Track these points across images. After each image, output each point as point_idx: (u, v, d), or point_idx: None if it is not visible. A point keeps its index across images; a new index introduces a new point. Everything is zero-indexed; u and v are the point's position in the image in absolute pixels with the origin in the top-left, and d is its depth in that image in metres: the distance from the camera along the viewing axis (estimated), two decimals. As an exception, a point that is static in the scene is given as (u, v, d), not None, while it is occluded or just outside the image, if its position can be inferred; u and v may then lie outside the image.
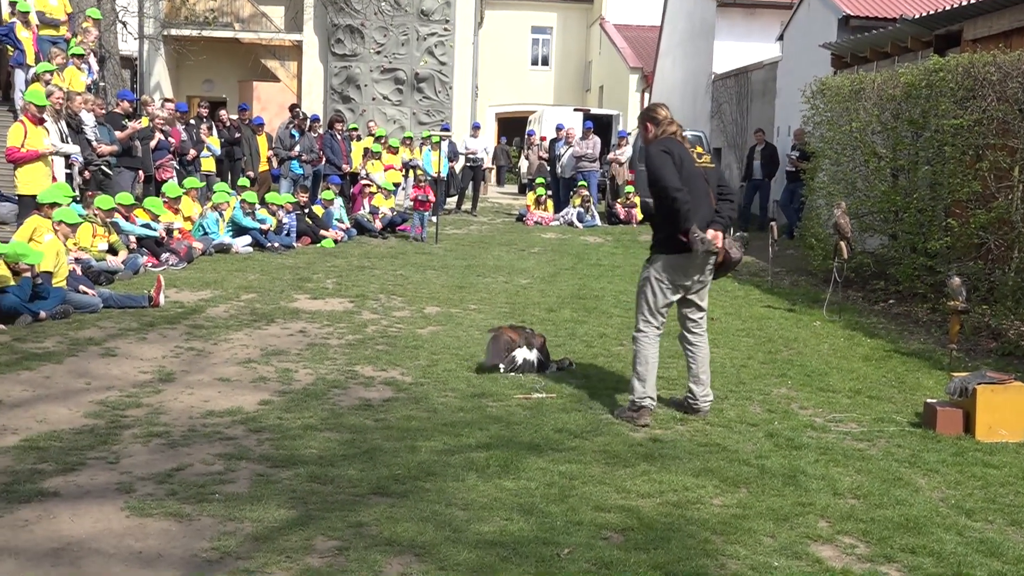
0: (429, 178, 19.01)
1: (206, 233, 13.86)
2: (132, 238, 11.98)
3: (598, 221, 20.31)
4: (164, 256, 12.20)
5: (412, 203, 17.12)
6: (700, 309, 6.60)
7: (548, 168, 22.29)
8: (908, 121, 11.79)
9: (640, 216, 20.46)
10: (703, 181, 6.37)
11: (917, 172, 11.69)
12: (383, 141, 19.80)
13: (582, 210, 20.13)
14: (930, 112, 11.31)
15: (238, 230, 14.29)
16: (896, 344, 9.47)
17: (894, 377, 8.08)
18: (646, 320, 6.47)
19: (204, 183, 15.87)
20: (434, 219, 17.97)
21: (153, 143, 14.68)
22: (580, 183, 20.57)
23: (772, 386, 7.61)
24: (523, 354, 7.68)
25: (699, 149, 6.51)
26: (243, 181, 15.92)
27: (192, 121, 17.30)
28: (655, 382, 6.50)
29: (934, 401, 6.69)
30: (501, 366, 7.58)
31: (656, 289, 6.41)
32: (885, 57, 15.25)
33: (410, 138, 20.67)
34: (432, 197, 17.14)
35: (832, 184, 13.43)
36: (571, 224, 20.06)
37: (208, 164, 16.92)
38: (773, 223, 13.56)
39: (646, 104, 33.03)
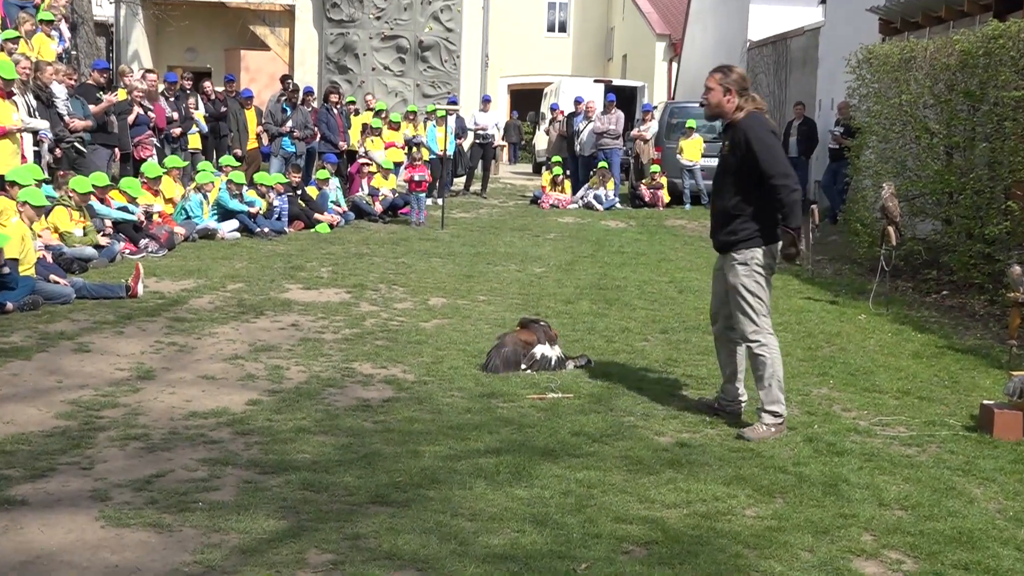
0: (434, 156, 19.04)
1: (189, 217, 13.92)
2: (108, 223, 12.03)
3: (614, 201, 20.29)
4: (143, 242, 12.25)
5: (407, 184, 17.16)
6: None
7: (565, 145, 22.27)
8: (964, 93, 11.74)
9: (667, 198, 20.45)
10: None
11: (974, 150, 11.65)
12: (384, 116, 19.83)
13: (603, 190, 20.10)
14: (988, 83, 11.24)
15: (224, 214, 14.34)
16: (950, 340, 9.45)
17: (947, 376, 8.06)
18: (765, 318, 6.35)
19: (188, 162, 15.92)
20: (440, 202, 18.00)
21: (131, 118, 14.73)
22: (600, 163, 20.55)
23: (812, 386, 7.61)
24: (543, 350, 7.68)
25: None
26: (229, 160, 15.98)
27: (179, 94, 17.37)
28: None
29: (991, 403, 6.66)
30: (524, 367, 7.56)
31: (764, 283, 6.32)
32: (939, 22, 15.18)
33: (413, 112, 20.69)
34: (428, 177, 17.16)
35: (879, 163, 13.38)
36: (590, 207, 20.06)
37: (194, 141, 16.99)
38: (814, 206, 13.53)
39: (675, 75, 33.05)
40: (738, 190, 6.25)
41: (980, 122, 11.57)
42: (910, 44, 13.17)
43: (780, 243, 6.30)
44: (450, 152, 19.58)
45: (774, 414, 6.26)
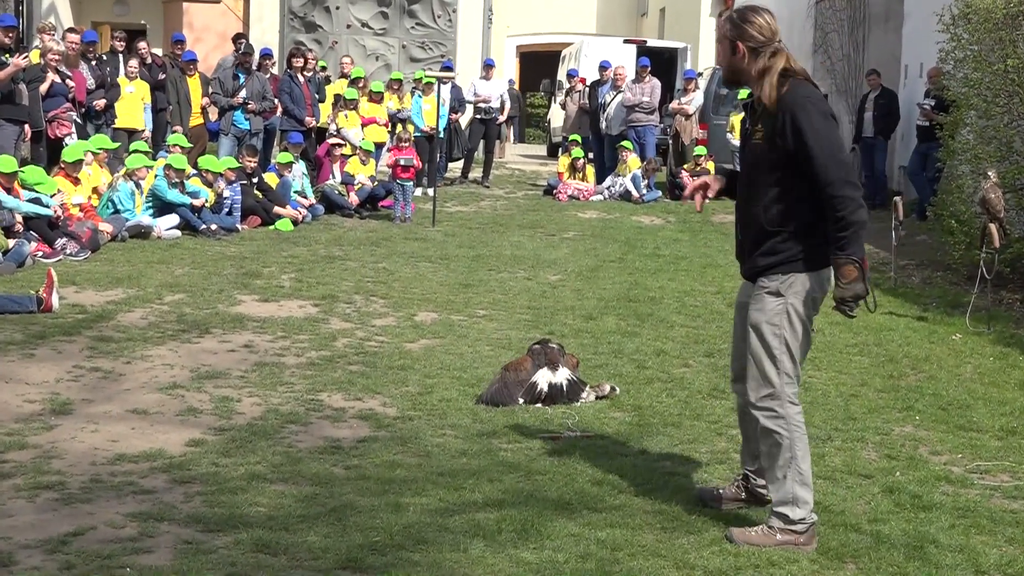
0: (420, 135, 19.06)
1: (117, 211, 13.97)
2: (18, 217, 12.08)
3: (657, 194, 20.33)
4: (60, 242, 12.30)
5: (390, 170, 17.21)
6: None
7: (588, 122, 22.30)
8: (1086, 57, 11.75)
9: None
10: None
11: (1098, 128, 11.65)
12: (361, 85, 19.87)
13: (638, 176, 20.10)
14: (1116, 44, 11.26)
15: (161, 207, 14.39)
16: (1067, 366, 9.45)
17: (1063, 411, 8.07)
18: (789, 379, 5.48)
19: (119, 144, 15.98)
20: (430, 192, 18.03)
21: (44, 87, 14.79)
22: (622, 143, 20.56)
23: (893, 423, 7.61)
24: (546, 377, 7.71)
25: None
26: (179, 139, 16.02)
27: (104, 57, 17.43)
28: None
29: (1118, 445, 6.67)
30: (521, 400, 7.61)
31: (801, 326, 5.45)
32: (1055, -32, 15.20)
33: (398, 81, 20.74)
34: (417, 162, 17.21)
35: (980, 144, 13.37)
36: (619, 198, 20.07)
37: (132, 116, 17.02)
38: (898, 198, 13.54)
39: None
40: (779, 195, 5.43)
41: (1106, 93, 11.58)
42: (1018, -5, 13.19)
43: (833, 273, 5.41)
44: (441, 129, 19.57)
45: (785, 519, 5.41)
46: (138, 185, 14.34)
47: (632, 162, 20.38)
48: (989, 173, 11.20)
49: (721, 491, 5.92)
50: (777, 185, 5.43)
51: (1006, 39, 12.91)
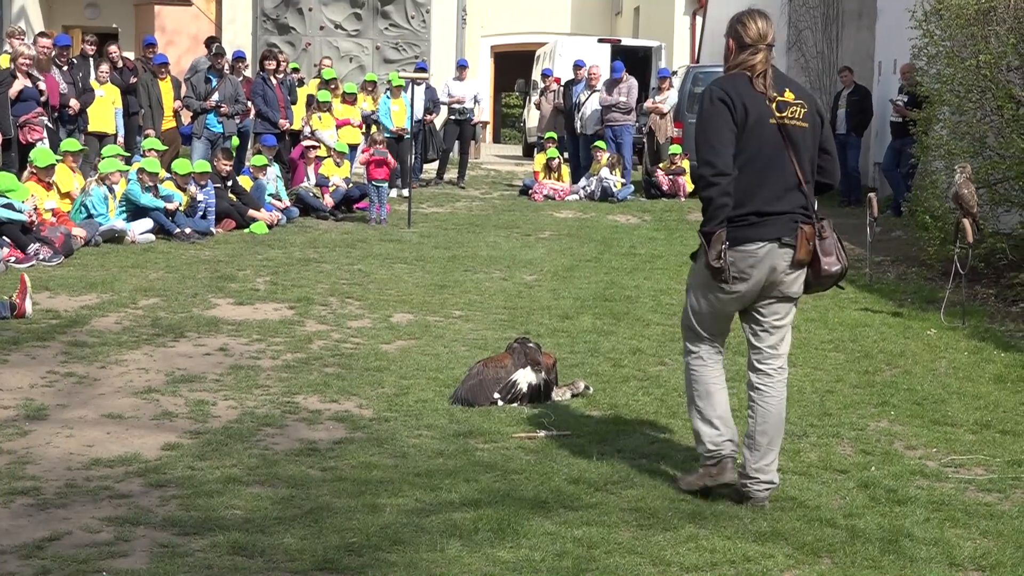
0: (389, 136, 19.05)
1: (90, 216, 13.93)
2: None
3: (630, 189, 20.38)
4: (32, 248, 12.26)
5: (364, 170, 17.23)
6: (771, 333, 6.08)
7: (563, 121, 22.33)
8: (1057, 52, 11.84)
9: (691, 186, 20.54)
10: (785, 150, 5.94)
11: (1070, 122, 11.74)
12: (334, 87, 19.86)
13: (609, 175, 20.16)
14: (1087, 39, 11.34)
15: (135, 211, 14.36)
16: (1041, 359, 9.53)
17: (1037, 405, 8.14)
18: (691, 334, 6.20)
19: (86, 147, 15.93)
20: (404, 193, 18.04)
21: (13, 91, 14.72)
22: (596, 143, 20.61)
23: (868, 418, 7.66)
24: (526, 377, 7.75)
25: (789, 95, 6.05)
26: (154, 143, 15.99)
27: (74, 61, 17.37)
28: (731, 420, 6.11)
29: (1090, 437, 6.73)
30: (497, 396, 7.65)
31: (702, 295, 6.07)
32: (1025, -36, 15.30)
33: (372, 82, 20.74)
34: (391, 162, 17.21)
35: (952, 140, 13.45)
36: (595, 198, 20.12)
37: (103, 120, 16.97)
38: (872, 195, 13.61)
39: (699, 33, 33.17)
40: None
41: (1077, 88, 11.66)
42: (990, -9, 13.27)
43: (741, 248, 5.85)
44: (407, 128, 19.51)
45: (700, 457, 6.10)
46: (111, 190, 14.29)
47: (605, 161, 20.42)
48: (960, 169, 11.27)
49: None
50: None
51: (978, 35, 13.00)
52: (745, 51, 6.13)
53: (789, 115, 5.98)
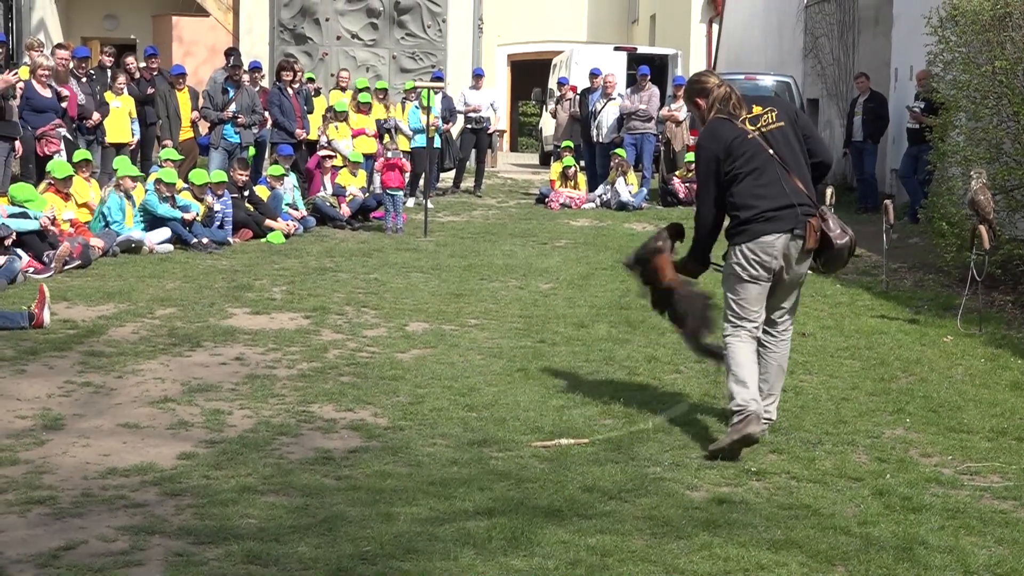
0: (417, 147, 19.10)
1: (108, 225, 13.97)
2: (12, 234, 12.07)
3: (643, 193, 20.42)
4: (47, 255, 12.29)
5: (380, 178, 17.29)
6: (783, 308, 7.38)
7: (579, 130, 22.34)
8: (1073, 58, 11.80)
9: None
10: (768, 154, 7.05)
11: (1086, 128, 11.70)
12: (354, 97, 19.87)
13: (623, 185, 20.18)
14: (1103, 45, 11.31)
15: (152, 221, 14.42)
16: (1058, 366, 9.50)
17: (1054, 412, 8.11)
18: (731, 321, 7.18)
19: (92, 159, 15.97)
20: (423, 202, 18.07)
21: (15, 102, 14.70)
22: (616, 151, 20.65)
23: (884, 426, 7.65)
24: None
25: (756, 109, 7.20)
26: (171, 153, 16.07)
27: (93, 73, 17.47)
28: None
29: (1107, 444, 6.71)
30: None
31: (739, 284, 7.13)
32: (1042, -31, 15.26)
33: (384, 90, 20.75)
34: (406, 165, 17.25)
35: (969, 146, 13.42)
36: (611, 206, 20.13)
37: (120, 131, 17.05)
38: (889, 202, 13.58)
39: (716, 40, 33.19)
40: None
41: (1093, 94, 11.62)
42: (1006, -3, 13.24)
43: (759, 241, 7.01)
44: (437, 136, 19.59)
45: (731, 412, 6.99)
46: (129, 197, 14.34)
47: (617, 164, 20.43)
48: (976, 175, 11.25)
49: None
50: None
51: (993, 41, 12.97)
52: (711, 95, 7.26)
53: (764, 123, 7.09)
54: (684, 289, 7.62)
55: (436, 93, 19.36)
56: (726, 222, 7.24)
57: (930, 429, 7.59)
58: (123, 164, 14.74)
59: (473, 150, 22.31)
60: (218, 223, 15.05)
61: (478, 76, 22.77)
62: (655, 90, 21.34)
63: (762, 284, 7.08)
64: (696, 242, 7.40)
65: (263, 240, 15.43)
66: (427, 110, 18.21)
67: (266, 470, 6.34)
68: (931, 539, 5.60)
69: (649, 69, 21.98)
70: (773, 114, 7.16)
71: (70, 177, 13.86)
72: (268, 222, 15.71)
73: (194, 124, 18.60)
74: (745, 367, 7.04)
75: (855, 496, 6.23)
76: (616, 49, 27.88)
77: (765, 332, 7.27)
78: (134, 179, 14.56)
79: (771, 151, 7.04)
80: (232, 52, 20.11)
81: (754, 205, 6.99)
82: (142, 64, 19.07)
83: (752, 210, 6.99)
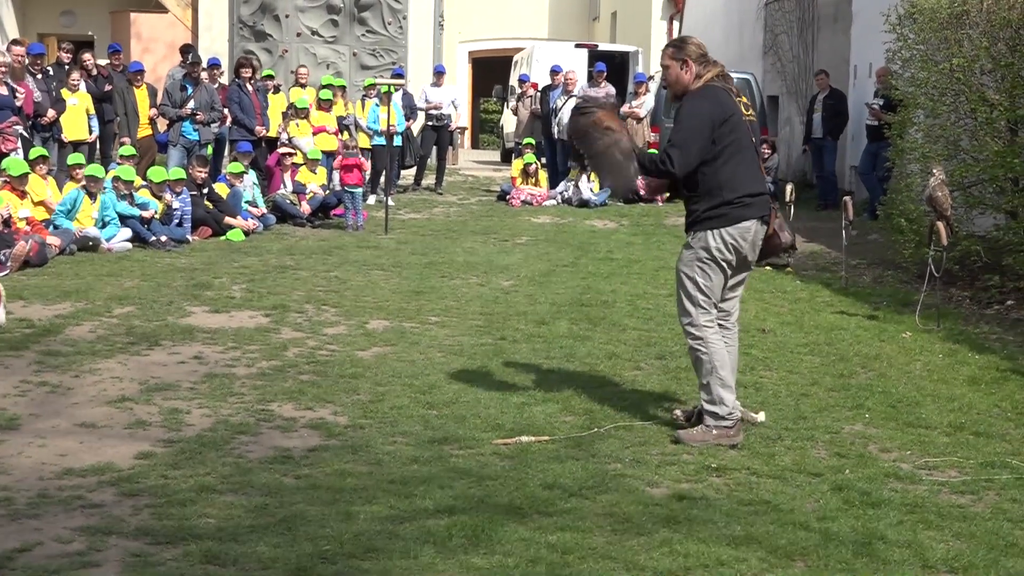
0: (377, 144, 19.07)
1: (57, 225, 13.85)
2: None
3: (606, 193, 20.46)
4: (4, 254, 12.19)
5: (338, 176, 17.26)
6: (734, 297, 7.41)
7: (540, 127, 22.36)
8: (1029, 55, 11.90)
9: (667, 191, 20.58)
10: (751, 139, 7.16)
11: (1042, 125, 11.80)
12: (316, 95, 19.80)
13: (585, 183, 20.21)
14: (1058, 42, 11.41)
15: (111, 218, 14.32)
16: (1014, 361, 9.56)
17: (1010, 406, 8.17)
18: (704, 310, 7.14)
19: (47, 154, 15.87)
20: (384, 199, 18.04)
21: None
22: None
23: (843, 421, 7.68)
24: None
25: (743, 97, 7.22)
26: (130, 150, 15.97)
27: (49, 69, 17.34)
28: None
29: (1063, 438, 6.77)
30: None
31: (710, 271, 7.10)
32: (998, -33, 15.38)
33: (342, 87, 20.68)
34: (364, 163, 17.21)
35: (927, 143, 13.52)
36: (572, 203, 20.15)
37: (77, 128, 16.92)
38: (848, 198, 13.66)
39: (675, 36, 33.28)
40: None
41: (1049, 91, 11.73)
42: (963, -6, 13.34)
43: (739, 227, 7.03)
44: (397, 126, 19.53)
45: (716, 416, 7.02)
46: (90, 195, 14.24)
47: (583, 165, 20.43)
48: (936, 172, 11.33)
49: (688, 412, 7.48)
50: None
51: (951, 38, 13.07)
52: (705, 62, 7.12)
53: (748, 113, 7.15)
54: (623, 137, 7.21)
55: (397, 91, 19.32)
56: (698, 204, 7.09)
57: (889, 424, 7.63)
58: (77, 159, 14.63)
59: (434, 147, 22.31)
60: (177, 221, 14.96)
61: (439, 73, 22.75)
62: (611, 88, 21.37)
63: (731, 270, 7.13)
64: (653, 171, 7.24)
65: (222, 238, 15.36)
66: (387, 104, 18.19)
67: (225, 469, 6.31)
68: (890, 534, 5.63)
69: (607, 66, 22.01)
70: (749, 107, 7.25)
71: (26, 175, 13.75)
72: (227, 220, 15.64)
73: (152, 121, 18.50)
74: (727, 366, 7.11)
75: (814, 491, 6.25)
76: (577, 46, 27.93)
77: (721, 327, 7.27)
78: (97, 181, 14.42)
79: (752, 138, 7.14)
80: (188, 49, 20.01)
81: (738, 188, 7.00)
82: (102, 61, 18.94)
83: (736, 192, 6.99)
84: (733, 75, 18.94)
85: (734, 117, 7.03)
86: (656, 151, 20.54)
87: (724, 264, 7.07)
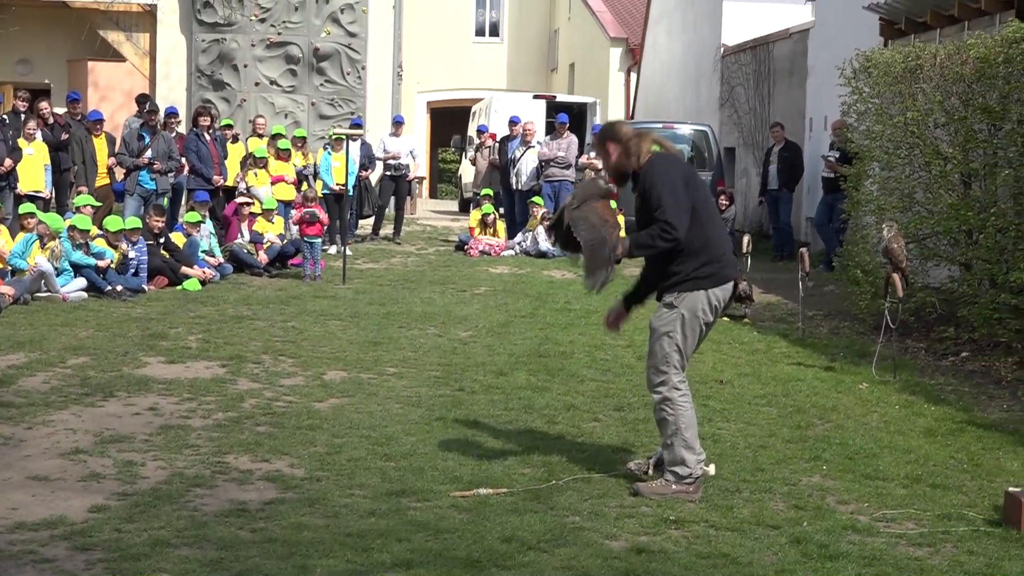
0: (327, 192, 19.09)
1: (13, 272, 13.76)
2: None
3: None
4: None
5: (297, 228, 17.25)
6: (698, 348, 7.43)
7: (498, 177, 22.43)
8: (982, 109, 12.05)
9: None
10: (713, 201, 7.42)
11: (995, 178, 11.94)
12: (273, 143, 19.80)
13: (543, 237, 20.30)
14: (1011, 97, 11.55)
15: (64, 268, 14.24)
16: (970, 413, 9.63)
17: (966, 458, 8.21)
18: (676, 370, 7.10)
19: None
20: (342, 249, 18.02)
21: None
22: (533, 199, 20.78)
23: (801, 473, 7.70)
24: None
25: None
26: (88, 199, 15.90)
27: (5, 118, 17.28)
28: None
29: (1019, 490, 6.80)
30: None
31: (690, 332, 7.07)
32: (952, 22, 15.60)
33: (303, 138, 20.72)
34: (324, 217, 17.21)
35: (882, 195, 13.65)
36: (530, 254, 20.20)
37: (33, 178, 16.84)
38: (804, 250, 13.75)
39: (634, 89, 33.56)
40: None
41: (1002, 144, 11.87)
42: (916, 49, 13.52)
43: (724, 287, 7.09)
44: (350, 187, 19.57)
45: (677, 476, 7.04)
46: (40, 239, 14.16)
47: (541, 217, 20.53)
48: (886, 226, 11.44)
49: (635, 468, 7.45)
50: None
51: (905, 92, 13.22)
52: (639, 135, 7.20)
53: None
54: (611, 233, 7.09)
55: (354, 140, 19.34)
56: (683, 265, 7.01)
57: (846, 476, 7.66)
58: (29, 209, 14.59)
59: (392, 197, 22.32)
60: (133, 270, 14.90)
61: (398, 123, 22.81)
62: (573, 138, 21.51)
63: (707, 330, 7.20)
64: (647, 246, 7.03)
65: (179, 288, 15.29)
66: (338, 151, 18.23)
67: (180, 523, 6.25)
68: (848, 587, 5.64)
69: (568, 117, 22.17)
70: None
71: (-18, 225, 13.68)
72: (184, 269, 15.58)
73: (110, 170, 18.44)
74: (694, 428, 7.12)
75: (773, 544, 6.26)
76: (535, 97, 28.14)
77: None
78: (53, 233, 14.36)
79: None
80: (145, 99, 19.97)
81: (720, 246, 7.10)
82: (59, 109, 18.88)
83: (720, 249, 7.10)
84: (689, 127, 19.35)
85: (695, 176, 7.14)
86: (615, 203, 20.64)
87: (705, 326, 7.10)
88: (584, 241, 7.04)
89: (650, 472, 7.32)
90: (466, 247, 20.67)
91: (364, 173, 21.03)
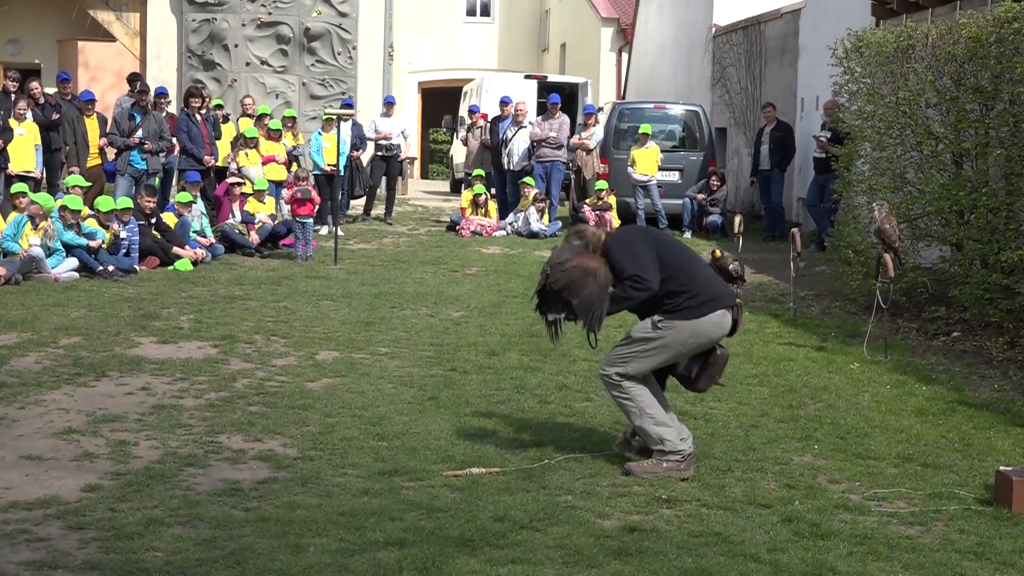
0: (318, 173, 19.07)
1: (5, 254, 13.73)
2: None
3: (557, 225, 20.54)
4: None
5: (289, 208, 17.22)
6: None
7: (489, 157, 22.40)
8: (974, 89, 12.05)
9: (617, 222, 20.68)
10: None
11: (987, 158, 11.94)
12: (263, 123, 19.75)
13: (534, 215, 20.30)
14: (1003, 77, 11.54)
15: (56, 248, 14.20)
16: (961, 392, 9.65)
17: (957, 437, 8.24)
18: (631, 376, 7.24)
19: None
20: (333, 231, 17.99)
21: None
22: (524, 179, 20.79)
23: (793, 453, 7.72)
24: None
25: None
26: (78, 179, 15.85)
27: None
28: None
29: (1010, 469, 6.82)
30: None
31: (657, 349, 7.21)
32: (944, 2, 15.58)
33: (292, 118, 20.67)
34: (316, 197, 17.18)
35: (874, 176, 13.65)
36: (522, 234, 20.20)
37: (24, 158, 16.78)
38: (796, 230, 13.75)
39: (625, 69, 33.51)
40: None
41: (994, 124, 11.86)
42: (908, 29, 13.50)
43: (708, 320, 7.13)
44: (341, 167, 19.55)
45: (662, 453, 7.11)
46: (32, 219, 14.12)
47: (533, 198, 20.54)
48: (878, 205, 11.44)
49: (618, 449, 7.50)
50: None
51: (897, 72, 13.22)
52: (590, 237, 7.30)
53: None
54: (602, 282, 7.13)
55: (345, 120, 19.29)
56: (674, 299, 7.13)
57: (838, 456, 7.69)
58: (20, 188, 14.54)
59: (384, 177, 22.27)
60: (124, 251, 14.87)
61: (389, 104, 22.74)
62: (565, 118, 21.48)
63: (679, 359, 7.34)
64: (622, 299, 7.15)
65: (170, 268, 15.26)
66: (329, 131, 18.19)
67: (173, 502, 6.26)
68: (839, 565, 5.66)
69: (560, 97, 22.14)
70: None
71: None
72: (175, 249, 15.55)
73: (101, 151, 18.37)
74: (654, 404, 7.19)
75: (764, 523, 6.29)
76: (526, 77, 28.06)
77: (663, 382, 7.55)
78: (45, 213, 14.31)
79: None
80: (136, 78, 19.89)
81: (708, 282, 7.24)
82: (50, 89, 18.80)
83: (706, 285, 7.21)
84: (681, 107, 19.36)
85: (657, 234, 7.73)
86: (606, 183, 20.66)
87: (676, 356, 7.24)
88: (575, 304, 7.18)
89: (634, 442, 7.40)
90: (458, 227, 20.65)
91: (355, 153, 20.98)
